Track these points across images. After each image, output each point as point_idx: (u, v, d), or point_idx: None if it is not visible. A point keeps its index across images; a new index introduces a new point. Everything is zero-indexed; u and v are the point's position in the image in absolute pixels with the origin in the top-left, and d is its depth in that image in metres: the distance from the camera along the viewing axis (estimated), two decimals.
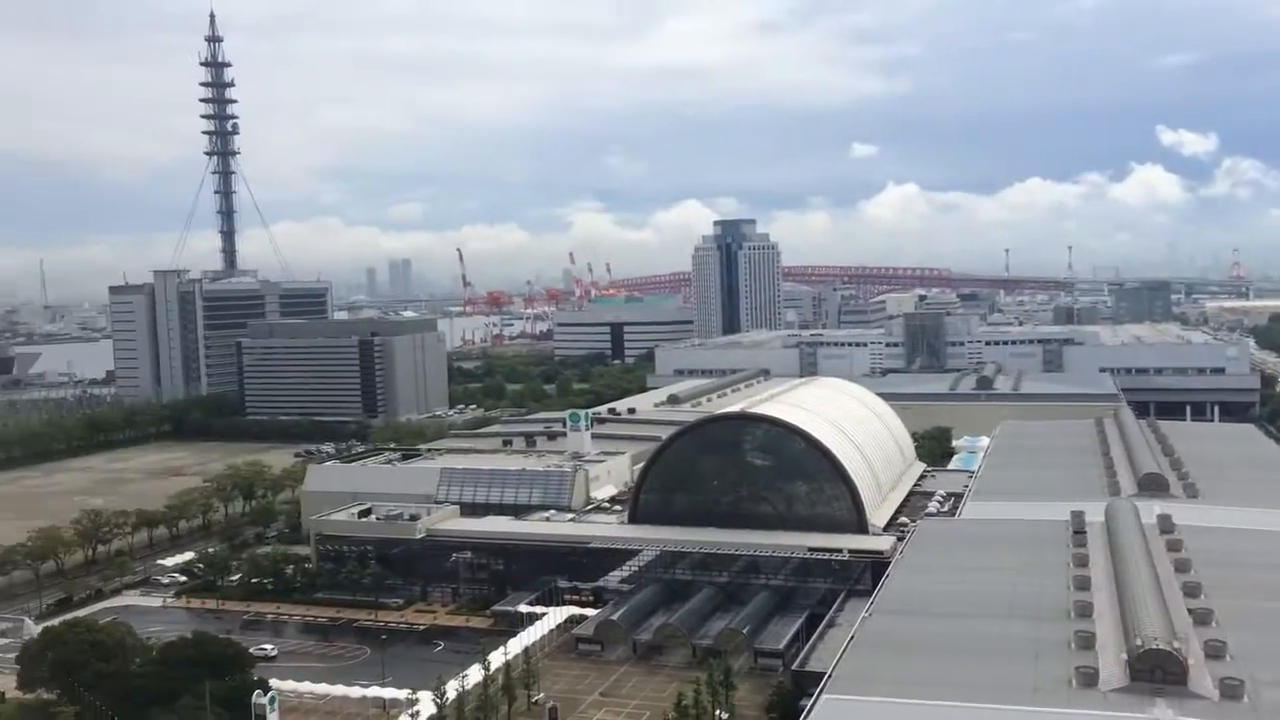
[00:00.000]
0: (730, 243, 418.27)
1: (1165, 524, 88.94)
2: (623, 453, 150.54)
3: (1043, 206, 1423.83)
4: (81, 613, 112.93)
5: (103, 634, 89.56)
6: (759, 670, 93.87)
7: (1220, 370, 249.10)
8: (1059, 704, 55.54)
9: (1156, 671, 56.18)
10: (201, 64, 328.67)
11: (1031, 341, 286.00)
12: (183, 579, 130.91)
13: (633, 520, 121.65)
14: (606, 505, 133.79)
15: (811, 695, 62.76)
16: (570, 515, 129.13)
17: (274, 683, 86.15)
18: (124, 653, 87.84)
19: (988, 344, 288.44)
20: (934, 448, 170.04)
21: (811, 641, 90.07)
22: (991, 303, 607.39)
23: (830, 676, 62.69)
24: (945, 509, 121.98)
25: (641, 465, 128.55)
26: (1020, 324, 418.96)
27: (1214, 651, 59.66)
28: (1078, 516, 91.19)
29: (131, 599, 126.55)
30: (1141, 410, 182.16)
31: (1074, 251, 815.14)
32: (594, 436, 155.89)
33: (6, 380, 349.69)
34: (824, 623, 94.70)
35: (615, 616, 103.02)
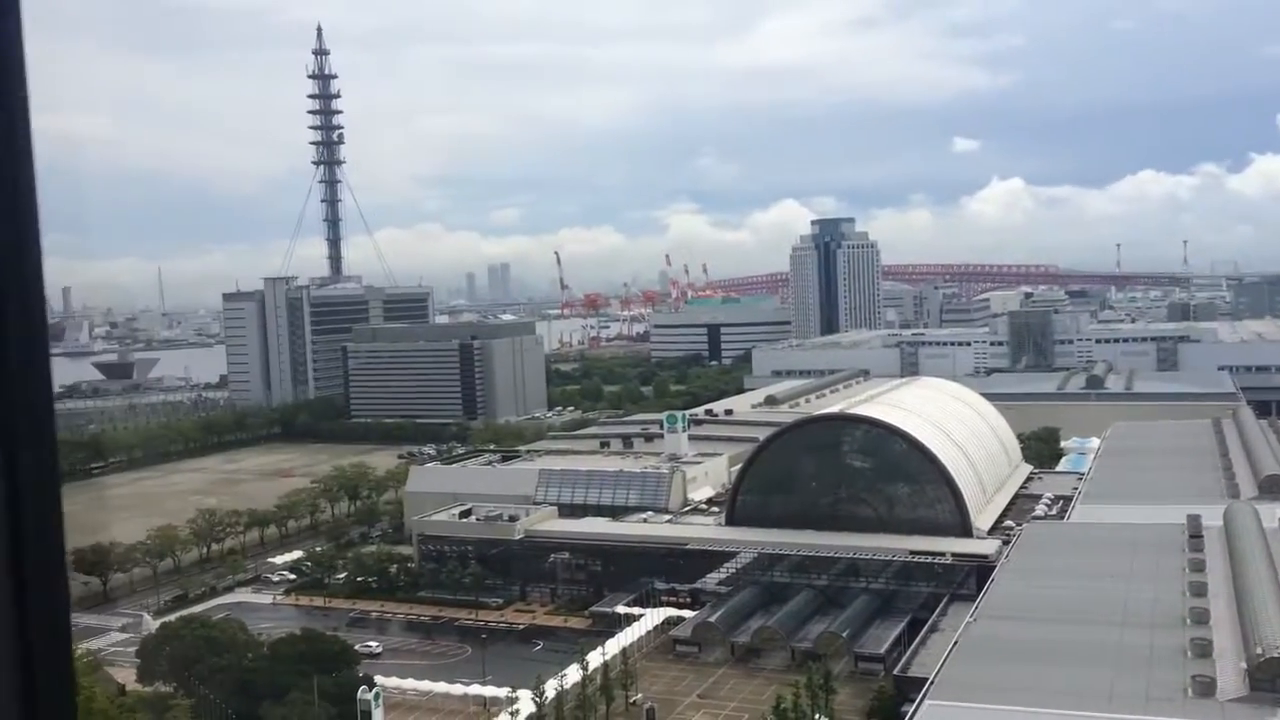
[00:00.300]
0: (828, 241, 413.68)
1: None
2: (720, 454, 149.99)
3: (1156, 199, 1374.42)
4: (197, 609, 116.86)
5: (217, 630, 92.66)
6: (859, 675, 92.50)
7: None
8: (1174, 713, 53.56)
9: (1278, 681, 53.71)
10: (309, 76, 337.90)
11: (1144, 339, 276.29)
12: (291, 577, 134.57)
13: (730, 522, 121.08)
14: (704, 507, 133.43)
15: (913, 701, 61.61)
16: (667, 517, 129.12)
17: (378, 679, 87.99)
18: (237, 648, 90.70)
19: (1098, 342, 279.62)
20: (1041, 449, 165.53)
21: (914, 646, 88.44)
22: (1102, 300, 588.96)
23: (933, 682, 61.49)
24: (1053, 512, 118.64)
25: (739, 467, 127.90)
26: (1132, 321, 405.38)
27: None
28: (1194, 520, 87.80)
29: (244, 596, 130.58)
30: (1262, 410, 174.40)
31: (1190, 245, 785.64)
32: (691, 438, 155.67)
33: (127, 385, 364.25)
34: (926, 627, 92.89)
35: (713, 618, 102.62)
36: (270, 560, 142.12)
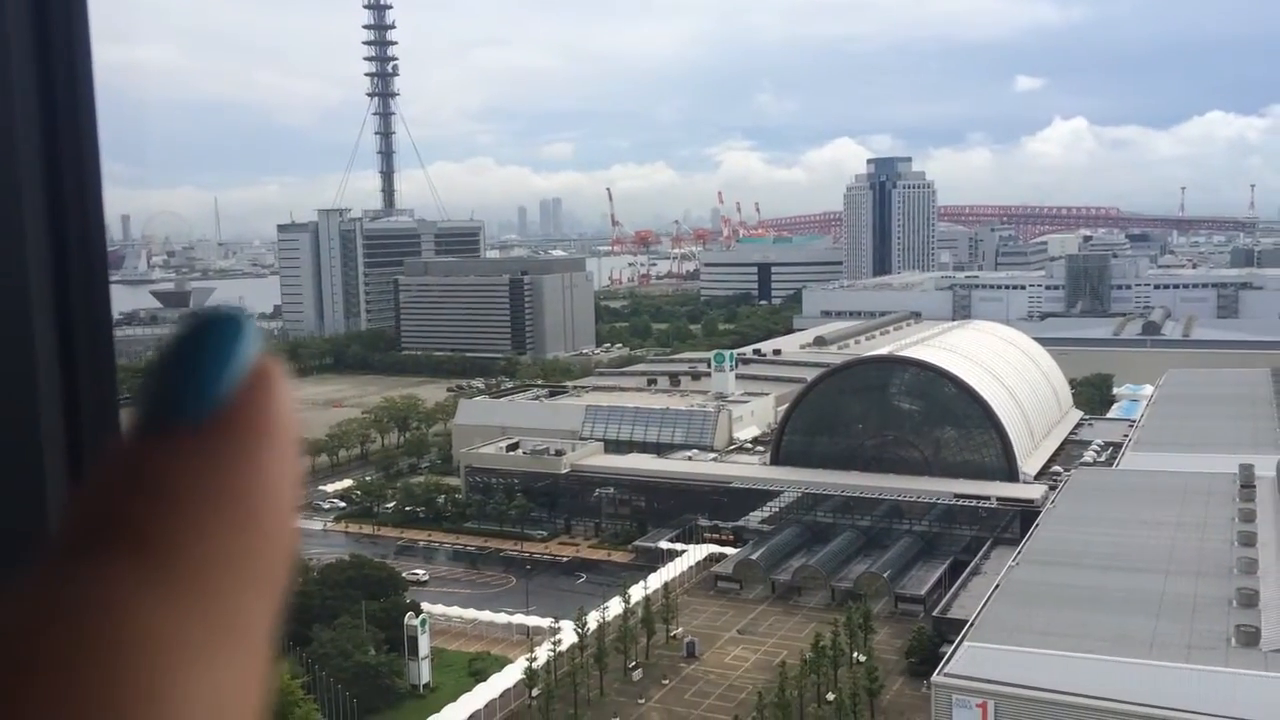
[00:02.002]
0: (884, 181, 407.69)
1: None
2: (767, 394, 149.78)
3: (1223, 141, 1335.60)
4: None
5: None
6: (899, 615, 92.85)
7: None
8: (1216, 662, 53.23)
9: None
10: (365, 6, 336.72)
11: (1205, 285, 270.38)
12: (342, 505, 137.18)
13: (775, 461, 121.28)
14: (749, 446, 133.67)
15: (952, 642, 61.80)
16: (712, 455, 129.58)
17: (425, 606, 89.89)
18: None
19: (1156, 288, 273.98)
20: (1093, 395, 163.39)
21: (954, 589, 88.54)
22: (1163, 244, 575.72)
23: (973, 624, 61.59)
24: (1102, 459, 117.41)
25: (785, 407, 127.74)
26: (1194, 267, 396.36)
27: None
28: (1246, 470, 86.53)
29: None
30: None
31: (1257, 190, 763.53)
32: (738, 377, 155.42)
33: (184, 314, 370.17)
34: (968, 570, 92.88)
35: (755, 556, 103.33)
36: (321, 488, 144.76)
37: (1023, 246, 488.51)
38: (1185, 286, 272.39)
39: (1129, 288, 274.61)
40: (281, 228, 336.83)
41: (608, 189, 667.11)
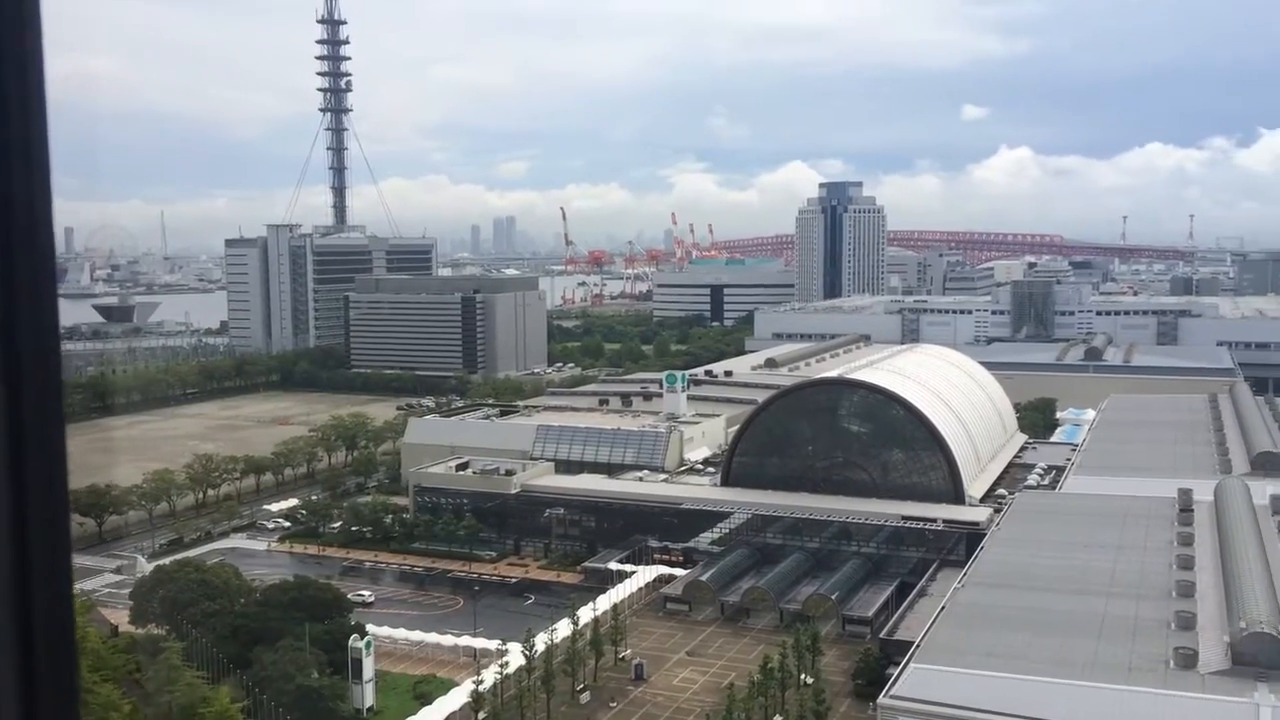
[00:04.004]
0: (835, 205, 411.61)
1: (1278, 505, 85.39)
2: (718, 415, 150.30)
3: (1163, 172, 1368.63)
4: (191, 553, 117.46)
5: (211, 574, 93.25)
6: (846, 637, 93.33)
7: None
8: (1155, 684, 54.02)
9: (1259, 655, 54.17)
10: (319, 21, 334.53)
11: (1145, 312, 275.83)
12: (286, 524, 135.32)
13: (725, 483, 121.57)
14: (699, 467, 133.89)
15: (899, 664, 62.14)
16: (663, 476, 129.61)
17: (370, 628, 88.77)
18: (230, 593, 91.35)
19: (1099, 314, 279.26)
20: (1037, 419, 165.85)
21: (901, 610, 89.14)
22: (1105, 272, 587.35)
23: (919, 646, 61.98)
24: (1046, 482, 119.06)
25: (736, 428, 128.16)
26: (1135, 294, 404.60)
27: None
28: (1185, 494, 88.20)
29: (238, 542, 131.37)
30: (1260, 387, 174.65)
31: (1196, 220, 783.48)
32: (690, 398, 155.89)
33: (127, 328, 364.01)
34: (914, 592, 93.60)
35: (704, 577, 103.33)
36: (266, 507, 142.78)
37: (970, 272, 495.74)
38: (1126, 313, 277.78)
39: (1072, 314, 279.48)
40: (230, 242, 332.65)
41: (562, 208, 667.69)
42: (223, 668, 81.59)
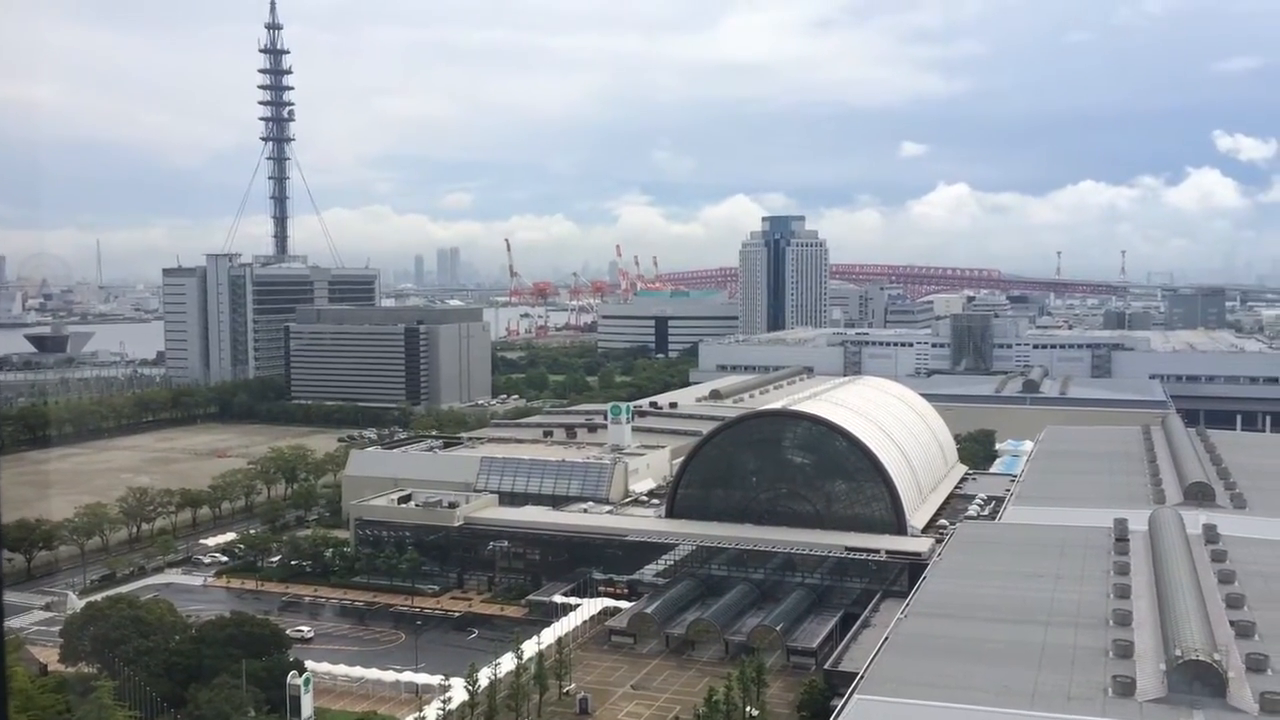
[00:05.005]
0: (778, 239, 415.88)
1: (1210, 534, 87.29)
2: (663, 447, 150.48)
3: (1096, 209, 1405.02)
4: (124, 589, 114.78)
5: (144, 610, 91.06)
6: (791, 668, 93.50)
7: (1274, 380, 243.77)
8: (1094, 712, 54.69)
9: (1195, 683, 55.14)
10: (261, 51, 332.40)
11: (1080, 346, 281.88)
12: (224, 559, 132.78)
13: (670, 514, 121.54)
14: (644, 499, 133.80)
15: (843, 695, 62.34)
16: (608, 507, 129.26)
17: (309, 664, 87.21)
18: (164, 629, 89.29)
19: (1035, 347, 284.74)
20: (977, 450, 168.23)
21: (845, 641, 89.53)
22: (1041, 306, 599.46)
23: (863, 677, 62.21)
24: (986, 512, 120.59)
25: (681, 460, 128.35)
26: (1070, 328, 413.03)
27: (1255, 665, 58.47)
28: (1120, 524, 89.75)
29: (173, 577, 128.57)
30: (1191, 419, 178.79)
31: (1127, 256, 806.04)
32: (635, 430, 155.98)
33: (60, 359, 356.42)
34: (858, 623, 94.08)
35: (649, 610, 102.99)
36: (202, 542, 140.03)
37: (910, 305, 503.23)
38: (1062, 347, 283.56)
39: (1010, 346, 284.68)
40: (167, 272, 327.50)
41: (506, 240, 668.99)
42: (156, 707, 79.59)
